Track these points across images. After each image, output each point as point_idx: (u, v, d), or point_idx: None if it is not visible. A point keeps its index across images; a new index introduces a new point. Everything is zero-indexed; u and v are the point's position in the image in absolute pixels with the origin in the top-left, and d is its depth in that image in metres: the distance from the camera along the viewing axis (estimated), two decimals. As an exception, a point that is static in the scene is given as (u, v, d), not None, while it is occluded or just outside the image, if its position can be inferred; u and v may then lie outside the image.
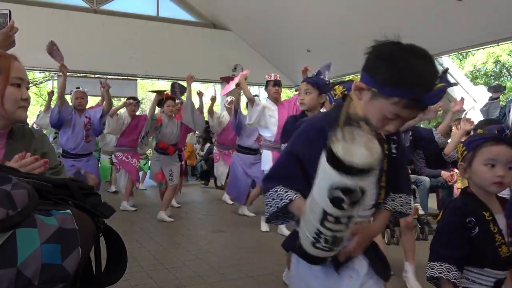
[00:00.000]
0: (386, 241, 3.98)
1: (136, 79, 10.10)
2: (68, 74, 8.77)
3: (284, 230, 4.54)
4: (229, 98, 6.15)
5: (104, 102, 4.80)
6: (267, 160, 4.28)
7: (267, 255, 3.57)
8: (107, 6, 9.48)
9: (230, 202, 6.11)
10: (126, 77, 9.54)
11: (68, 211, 0.87)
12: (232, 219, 5.19)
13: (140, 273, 3.01)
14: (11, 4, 7.60)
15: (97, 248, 1.00)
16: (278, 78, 4.41)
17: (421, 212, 3.89)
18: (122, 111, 5.84)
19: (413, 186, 3.76)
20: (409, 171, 1.92)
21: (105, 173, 7.58)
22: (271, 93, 4.33)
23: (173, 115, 5.16)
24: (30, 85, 1.45)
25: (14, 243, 0.75)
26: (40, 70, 9.50)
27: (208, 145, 9.47)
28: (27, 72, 1.35)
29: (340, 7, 7.28)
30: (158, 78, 11.88)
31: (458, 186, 4.80)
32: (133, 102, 5.76)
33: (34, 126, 7.07)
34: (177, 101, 5.60)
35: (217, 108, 8.52)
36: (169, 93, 5.54)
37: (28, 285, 0.75)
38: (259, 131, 4.63)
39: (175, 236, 4.23)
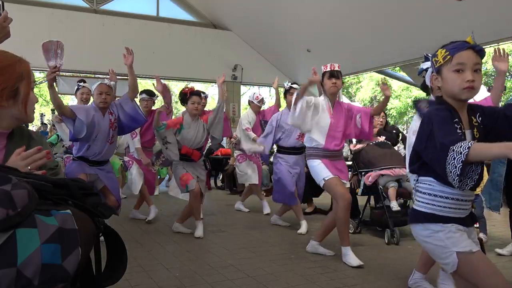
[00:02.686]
0: (386, 241, 3.98)
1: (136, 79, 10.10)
2: (68, 74, 8.81)
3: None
4: (259, 96, 5.68)
5: (129, 89, 3.96)
6: (321, 168, 3.42)
7: (267, 255, 3.57)
8: (107, 6, 9.48)
9: (246, 210, 5.76)
10: (126, 77, 9.53)
11: (68, 211, 0.87)
12: (232, 219, 5.20)
13: (140, 273, 3.01)
14: (11, 4, 7.60)
15: (97, 248, 1.00)
16: (335, 68, 3.46)
17: None
18: None
19: None
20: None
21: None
22: (327, 88, 3.46)
23: (198, 114, 4.35)
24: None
25: (14, 243, 0.75)
26: (40, 70, 9.48)
27: (208, 145, 9.45)
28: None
29: (340, 7, 7.27)
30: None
31: None
32: (146, 97, 5.13)
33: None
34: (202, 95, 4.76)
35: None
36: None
37: (28, 285, 0.76)
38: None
39: (175, 236, 4.23)
